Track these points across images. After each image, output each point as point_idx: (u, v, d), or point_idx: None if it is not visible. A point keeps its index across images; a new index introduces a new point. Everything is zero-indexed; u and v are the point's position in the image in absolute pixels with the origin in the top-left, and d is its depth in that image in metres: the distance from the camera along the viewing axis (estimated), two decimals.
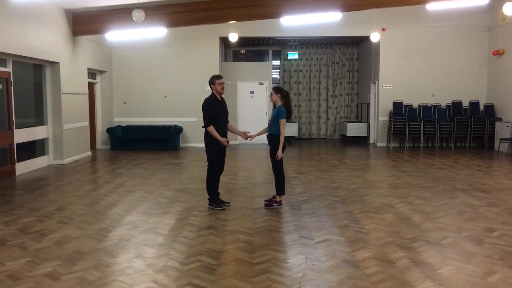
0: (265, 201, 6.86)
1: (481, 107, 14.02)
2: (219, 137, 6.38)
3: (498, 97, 13.68)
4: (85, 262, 4.50)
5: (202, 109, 6.46)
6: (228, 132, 6.74)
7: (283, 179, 6.70)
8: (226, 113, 6.68)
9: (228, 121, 6.82)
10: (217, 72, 14.08)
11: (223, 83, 6.57)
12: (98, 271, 4.28)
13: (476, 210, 6.47)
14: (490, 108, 13.80)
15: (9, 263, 4.50)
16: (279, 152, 6.45)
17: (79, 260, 4.57)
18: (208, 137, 6.47)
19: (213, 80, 6.52)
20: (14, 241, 5.20)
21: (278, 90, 6.69)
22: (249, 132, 6.95)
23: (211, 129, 6.35)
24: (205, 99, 6.53)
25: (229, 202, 6.83)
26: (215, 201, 6.68)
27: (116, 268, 4.38)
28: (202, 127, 6.46)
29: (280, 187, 6.69)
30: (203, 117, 6.42)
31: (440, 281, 4.01)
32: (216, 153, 6.54)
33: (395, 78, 14.37)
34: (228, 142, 6.50)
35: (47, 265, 4.43)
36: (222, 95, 6.66)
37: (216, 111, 6.44)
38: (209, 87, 6.63)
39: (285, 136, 6.53)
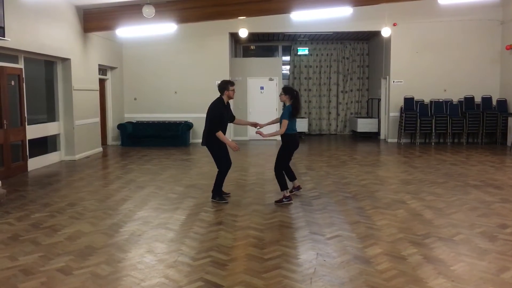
0: (275, 200, 6.86)
1: (494, 103, 13.85)
2: (229, 142, 6.48)
3: (511, 92, 13.50)
4: (96, 257, 4.53)
5: (209, 113, 6.53)
6: (239, 126, 6.86)
7: (280, 174, 6.72)
8: (230, 117, 6.80)
9: (235, 117, 7.01)
10: (227, 68, 14.31)
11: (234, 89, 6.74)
12: (109, 266, 4.30)
13: (489, 206, 6.40)
14: (503, 103, 13.63)
15: (22, 258, 4.54)
16: (265, 134, 6.56)
17: (91, 255, 4.60)
18: (209, 136, 6.51)
19: (227, 86, 6.57)
20: (26, 236, 5.24)
21: (287, 90, 6.73)
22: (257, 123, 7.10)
23: (220, 134, 6.42)
24: (212, 103, 6.60)
25: (229, 193, 7.04)
26: (219, 194, 6.76)
27: (128, 263, 4.40)
28: (212, 130, 6.46)
29: (280, 183, 6.72)
30: (211, 121, 6.48)
31: (452, 278, 3.97)
32: (220, 150, 6.58)
33: (406, 73, 14.25)
34: (236, 146, 6.55)
35: (59, 260, 4.46)
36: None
37: (222, 116, 6.51)
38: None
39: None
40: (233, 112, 7.14)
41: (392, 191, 7.47)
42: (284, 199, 6.68)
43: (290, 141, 6.66)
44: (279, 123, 6.75)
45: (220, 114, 6.48)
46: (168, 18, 11.05)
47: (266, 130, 6.88)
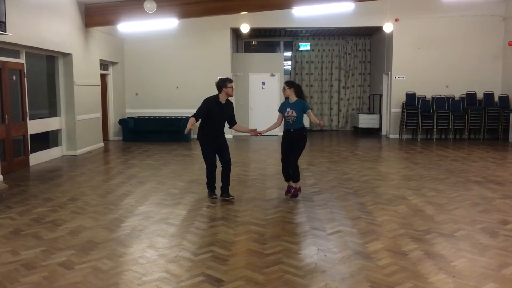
0: (291, 195, 6.76)
1: (496, 99, 13.82)
2: (188, 125, 6.28)
3: None
4: (98, 252, 4.55)
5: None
6: (238, 132, 6.74)
7: (297, 166, 6.68)
8: (225, 115, 6.58)
9: (236, 122, 6.82)
10: (228, 64, 14.29)
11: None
12: (111, 261, 4.32)
13: (490, 202, 6.40)
14: (505, 99, 13.60)
15: (24, 252, 4.56)
16: (319, 122, 6.51)
17: (93, 249, 4.62)
18: (198, 131, 6.57)
19: (225, 84, 6.45)
20: (28, 230, 5.26)
21: (291, 84, 6.65)
22: (256, 129, 6.91)
23: (192, 119, 6.32)
24: (208, 97, 6.55)
25: (233, 197, 6.62)
26: (209, 189, 6.78)
27: (129, 258, 4.41)
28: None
29: (297, 175, 6.66)
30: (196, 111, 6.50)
31: (453, 273, 3.97)
32: (202, 148, 6.60)
33: (408, 69, 14.20)
34: (190, 130, 6.35)
35: (61, 255, 4.47)
36: (228, 99, 6.63)
37: (209, 111, 6.40)
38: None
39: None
40: (235, 113, 6.91)
41: (393, 187, 7.46)
42: (298, 192, 6.68)
43: (306, 133, 6.68)
44: (289, 119, 6.61)
45: (206, 110, 6.41)
46: (170, 13, 11.03)
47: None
